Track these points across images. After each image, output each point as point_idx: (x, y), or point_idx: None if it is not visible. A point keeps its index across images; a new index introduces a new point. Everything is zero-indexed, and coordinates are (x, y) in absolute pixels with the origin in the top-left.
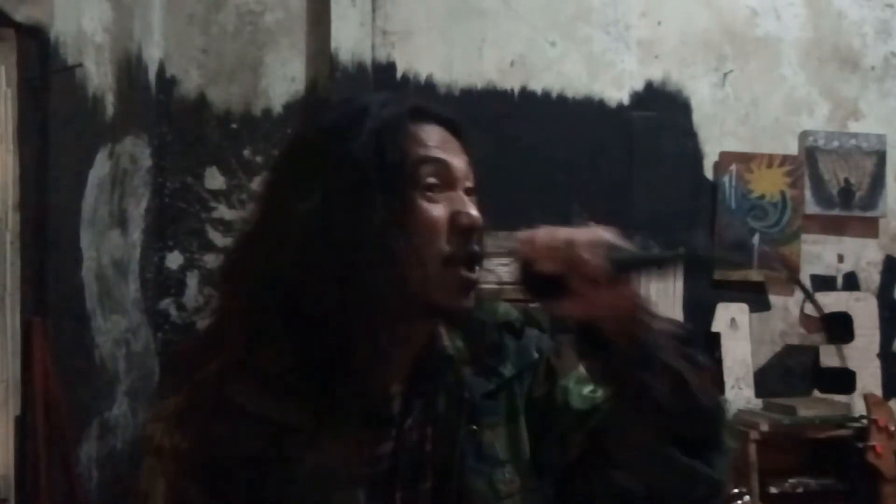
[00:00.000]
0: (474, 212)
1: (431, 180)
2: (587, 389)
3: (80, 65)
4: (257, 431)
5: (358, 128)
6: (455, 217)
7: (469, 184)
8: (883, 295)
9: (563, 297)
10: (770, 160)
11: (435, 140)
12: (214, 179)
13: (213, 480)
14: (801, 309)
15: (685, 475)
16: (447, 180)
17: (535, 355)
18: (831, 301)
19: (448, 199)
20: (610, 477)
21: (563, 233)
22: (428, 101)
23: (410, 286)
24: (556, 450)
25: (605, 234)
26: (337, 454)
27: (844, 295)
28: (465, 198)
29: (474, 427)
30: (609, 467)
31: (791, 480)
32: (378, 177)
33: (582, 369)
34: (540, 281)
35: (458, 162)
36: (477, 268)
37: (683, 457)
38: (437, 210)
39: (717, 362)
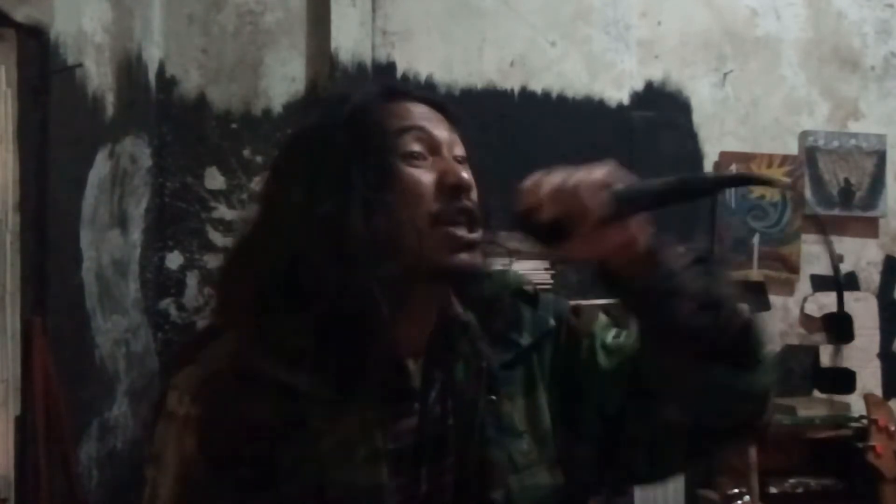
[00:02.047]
0: (463, 172)
1: (415, 147)
2: (611, 335)
3: (80, 65)
4: (277, 400)
5: (336, 115)
6: (442, 177)
7: (458, 152)
8: (883, 295)
9: (570, 241)
10: (770, 160)
11: (414, 113)
12: (214, 179)
13: (224, 450)
14: (801, 309)
15: (728, 395)
16: (431, 147)
17: (552, 323)
18: (831, 301)
19: (434, 164)
20: (653, 416)
21: (560, 176)
22: (405, 84)
23: (405, 250)
24: (593, 413)
25: (603, 172)
26: (360, 430)
27: (844, 295)
28: (453, 162)
29: (493, 397)
30: (651, 407)
31: (791, 480)
32: (356, 152)
33: (603, 317)
34: (545, 227)
35: (441, 131)
36: (472, 226)
37: (723, 375)
38: (422, 174)
39: None
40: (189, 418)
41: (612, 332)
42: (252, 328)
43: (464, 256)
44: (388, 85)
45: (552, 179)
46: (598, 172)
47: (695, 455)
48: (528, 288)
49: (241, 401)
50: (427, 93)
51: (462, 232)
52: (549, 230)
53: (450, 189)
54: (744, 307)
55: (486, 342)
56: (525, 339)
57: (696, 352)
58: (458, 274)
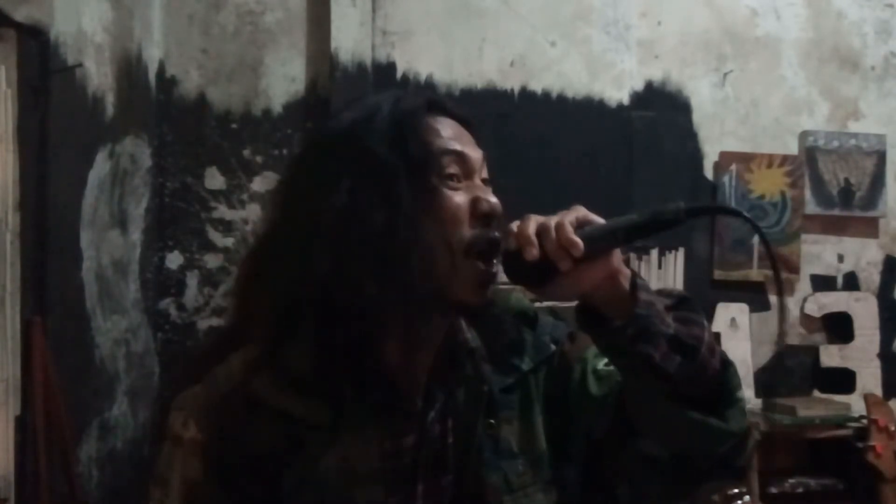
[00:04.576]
0: (493, 199)
1: (453, 170)
2: (603, 362)
3: (80, 65)
4: (279, 427)
5: (377, 122)
6: (475, 203)
7: (485, 175)
8: (883, 295)
9: (553, 280)
10: (770, 160)
11: (451, 133)
12: (214, 179)
13: (229, 474)
14: (802, 309)
15: (704, 434)
16: (466, 170)
17: (552, 347)
18: (831, 301)
19: (467, 188)
20: (635, 447)
21: (536, 219)
22: (441, 96)
23: (437, 275)
24: (581, 438)
25: (576, 213)
26: (359, 450)
27: (844, 295)
28: (484, 186)
29: (492, 421)
30: (633, 437)
31: (791, 480)
32: (403, 167)
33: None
34: (527, 268)
35: (474, 153)
36: (495, 261)
37: (698, 416)
38: (459, 197)
39: None
40: (195, 443)
41: (605, 358)
42: (264, 349)
43: (483, 294)
44: (430, 97)
45: (532, 223)
46: (571, 212)
47: (673, 490)
48: (529, 310)
49: (244, 427)
50: (460, 108)
51: (487, 268)
52: (534, 271)
53: (483, 216)
54: (719, 350)
55: (488, 366)
56: (526, 364)
57: (669, 393)
58: (477, 308)
